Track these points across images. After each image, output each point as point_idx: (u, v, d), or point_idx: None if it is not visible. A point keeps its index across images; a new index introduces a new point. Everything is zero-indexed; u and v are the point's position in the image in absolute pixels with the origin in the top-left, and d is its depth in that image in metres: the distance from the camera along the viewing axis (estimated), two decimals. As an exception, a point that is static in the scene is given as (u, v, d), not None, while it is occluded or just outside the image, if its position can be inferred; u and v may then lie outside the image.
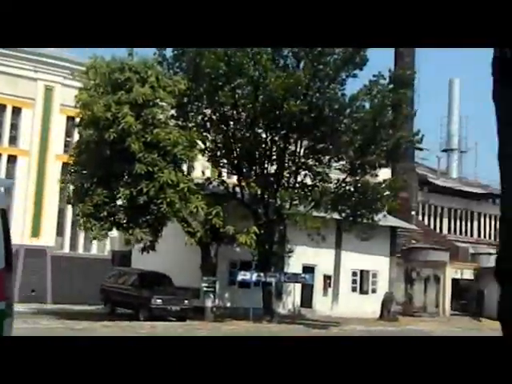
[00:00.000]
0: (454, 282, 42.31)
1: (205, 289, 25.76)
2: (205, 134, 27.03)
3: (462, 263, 43.05)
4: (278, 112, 25.08)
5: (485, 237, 61.18)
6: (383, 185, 25.51)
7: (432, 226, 58.67)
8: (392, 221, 38.11)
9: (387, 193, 25.58)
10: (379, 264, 35.51)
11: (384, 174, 35.17)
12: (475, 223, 60.97)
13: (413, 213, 53.52)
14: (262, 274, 26.84)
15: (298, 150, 27.61)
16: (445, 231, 59.16)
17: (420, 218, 57.90)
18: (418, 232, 51.09)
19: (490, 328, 33.18)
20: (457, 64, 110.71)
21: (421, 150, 61.23)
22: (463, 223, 60.54)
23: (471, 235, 60.50)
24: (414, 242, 48.74)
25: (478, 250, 53.02)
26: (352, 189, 25.92)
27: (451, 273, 41.27)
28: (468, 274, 42.55)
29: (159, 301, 24.03)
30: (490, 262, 46.11)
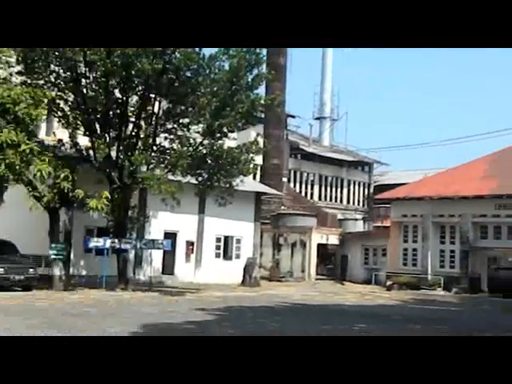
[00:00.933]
0: (322, 247, 43.04)
1: (53, 256, 24.40)
2: (57, 92, 25.40)
3: (327, 228, 43.78)
4: (131, 71, 23.89)
5: (353, 203, 62.84)
6: (239, 149, 24.99)
7: (303, 193, 59.46)
8: (256, 186, 37.97)
9: (244, 157, 25.10)
10: (244, 230, 35.33)
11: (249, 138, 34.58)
12: (345, 190, 62.40)
13: (284, 179, 53.98)
14: (116, 241, 25.79)
15: (155, 111, 26.55)
16: (315, 198, 60.16)
17: (292, 184, 58.56)
18: (289, 198, 51.60)
19: (350, 291, 34.01)
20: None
21: (293, 117, 61.88)
22: (333, 190, 61.78)
23: (341, 202, 61.91)
24: (284, 208, 49.09)
25: (347, 217, 54.39)
26: (208, 152, 25.23)
27: (317, 238, 41.86)
28: (334, 240, 43.30)
29: (1, 269, 22.46)
30: (357, 227, 47.33)
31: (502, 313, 24.05)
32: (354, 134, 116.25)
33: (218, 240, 34.71)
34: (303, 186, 60.02)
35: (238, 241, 35.36)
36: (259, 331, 14.41)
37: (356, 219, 49.67)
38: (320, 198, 60.58)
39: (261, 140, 26.14)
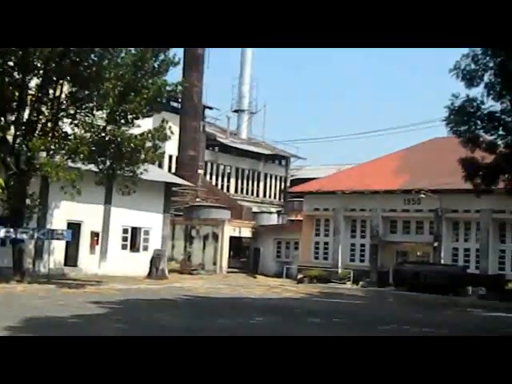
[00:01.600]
0: (236, 240, 42.55)
1: None
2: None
3: (240, 221, 43.30)
4: (29, 51, 22.59)
5: (270, 197, 62.71)
6: (143, 136, 24.06)
7: (219, 186, 58.84)
8: (166, 177, 37.08)
9: (148, 144, 24.20)
10: (152, 221, 34.35)
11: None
12: (261, 183, 62.16)
13: (200, 171, 53.25)
14: (11, 230, 24.42)
15: (58, 95, 25.29)
16: (232, 191, 59.65)
17: (208, 177, 57.86)
18: (204, 190, 50.86)
19: (259, 284, 33.67)
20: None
21: (211, 108, 61.12)
22: (250, 183, 61.44)
23: (257, 195, 61.64)
24: (198, 200, 48.35)
25: (263, 210, 54.18)
26: (110, 139, 24.18)
27: (230, 231, 41.32)
28: (247, 233, 42.89)
29: None
30: (271, 220, 47.12)
31: (402, 306, 24.19)
32: (272, 127, 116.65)
33: (125, 231, 33.60)
34: (219, 179, 59.36)
35: (146, 232, 34.36)
36: (148, 325, 13.70)
37: (270, 212, 49.53)
38: (236, 191, 60.10)
39: (167, 127, 25.23)
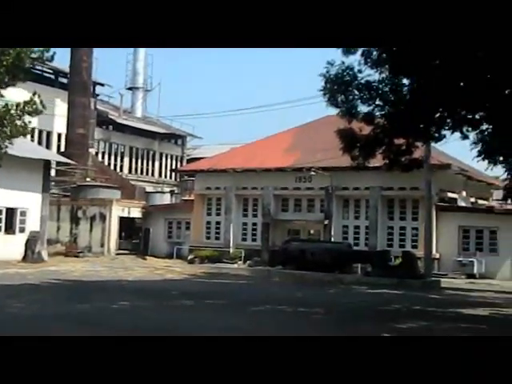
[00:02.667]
0: (129, 221, 40.82)
1: None
2: None
3: (129, 201, 41.61)
4: None
5: (165, 177, 61.15)
6: (5, 108, 22.01)
7: (112, 165, 56.75)
8: (45, 154, 34.94)
9: (12, 117, 22.15)
10: (30, 201, 32.17)
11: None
12: (157, 163, 60.49)
13: (91, 150, 51.01)
14: None
15: None
16: (126, 170, 57.70)
17: (100, 156, 55.67)
18: (94, 170, 48.73)
19: (145, 265, 32.30)
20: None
21: (102, 85, 58.59)
22: (145, 163, 59.64)
23: (152, 175, 59.94)
24: (88, 179, 46.23)
25: (158, 190, 52.60)
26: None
27: (118, 211, 39.59)
28: (137, 213, 41.28)
29: None
30: (164, 200, 45.61)
31: (286, 284, 23.58)
32: (167, 105, 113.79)
33: (-1, 212, 31.35)
34: (112, 158, 57.21)
35: (23, 213, 32.18)
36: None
37: (163, 192, 48.10)
38: (130, 171, 58.14)
39: (38, 101, 23.24)
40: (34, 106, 23.06)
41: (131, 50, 64.26)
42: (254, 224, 37.61)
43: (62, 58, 48.70)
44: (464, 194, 35.52)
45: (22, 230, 31.85)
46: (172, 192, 47.87)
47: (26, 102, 22.96)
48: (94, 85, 54.24)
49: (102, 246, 38.94)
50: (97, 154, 54.66)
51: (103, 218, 39.19)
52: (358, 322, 13.58)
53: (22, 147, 27.03)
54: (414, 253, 28.15)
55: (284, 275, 26.79)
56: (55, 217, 39.72)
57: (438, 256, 32.06)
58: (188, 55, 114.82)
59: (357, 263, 27.60)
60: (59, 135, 51.40)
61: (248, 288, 21.98)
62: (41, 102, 23.40)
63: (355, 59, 15.53)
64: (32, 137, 49.14)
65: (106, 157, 56.67)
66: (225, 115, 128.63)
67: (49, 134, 51.43)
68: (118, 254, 38.81)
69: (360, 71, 15.66)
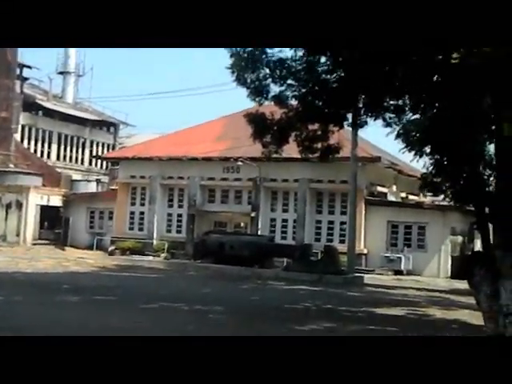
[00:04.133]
0: (53, 209, 38.64)
1: None
2: None
3: (49, 189, 39.44)
4: None
5: (96, 165, 58.82)
6: None
7: (39, 152, 54.20)
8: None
9: None
10: None
11: None
12: (87, 151, 58.09)
13: (16, 135, 48.50)
14: None
15: None
16: (53, 158, 55.18)
17: (26, 142, 53.07)
18: (17, 156, 46.27)
19: (57, 257, 30.29)
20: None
21: (29, 67, 55.83)
22: (74, 150, 57.18)
23: (82, 163, 57.53)
24: (11, 166, 43.77)
25: (88, 179, 50.29)
26: None
27: (36, 199, 37.42)
28: (58, 201, 39.15)
29: None
30: (89, 188, 43.53)
31: (199, 279, 22.13)
32: (99, 91, 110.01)
33: None
34: (39, 144, 54.58)
35: None
36: None
37: (89, 181, 45.93)
38: (58, 158, 55.60)
39: None
40: None
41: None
42: (180, 215, 36.06)
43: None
44: (394, 188, 34.71)
45: None
46: (98, 180, 45.74)
47: None
48: (22, 67, 51.58)
49: (18, 235, 36.77)
50: (22, 139, 52.09)
51: (20, 205, 36.98)
52: (256, 321, 12.25)
53: None
54: (337, 247, 27.03)
55: (200, 269, 25.33)
56: (-33, 204, 37.48)
57: (365, 251, 31.15)
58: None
59: (278, 257, 26.33)
60: (-19, 118, 48.58)
61: (153, 282, 20.43)
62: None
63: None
64: (-49, 119, 46.46)
65: (33, 143, 54.06)
66: (159, 98, 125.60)
67: (-31, 116, 48.50)
68: (35, 244, 36.71)
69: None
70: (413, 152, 15.11)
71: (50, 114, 54.75)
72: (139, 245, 34.78)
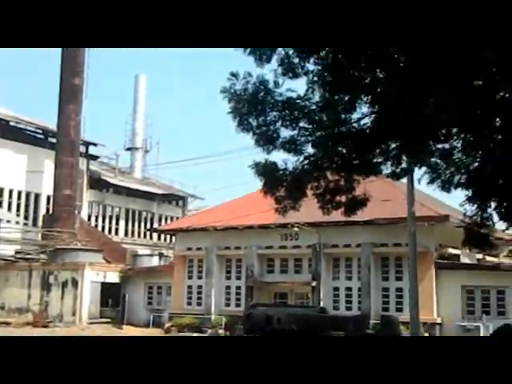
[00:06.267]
0: (114, 286, 37.31)
1: None
2: None
3: (106, 265, 38.34)
4: None
5: (165, 240, 57.87)
6: None
7: (107, 228, 53.87)
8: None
9: None
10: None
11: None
12: (156, 225, 57.33)
13: (82, 212, 48.35)
14: None
15: None
16: (121, 234, 54.68)
17: (94, 218, 52.91)
18: (80, 233, 45.75)
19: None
20: (143, 59, 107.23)
21: (95, 145, 56.26)
22: (142, 225, 56.57)
23: (151, 238, 56.72)
24: (76, 243, 43.18)
25: (153, 253, 49.15)
26: None
27: (92, 275, 36.25)
28: (115, 277, 37.85)
29: None
30: (152, 263, 42.02)
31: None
32: (167, 165, 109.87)
33: None
34: (107, 221, 54.30)
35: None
36: None
37: (151, 255, 44.64)
38: (126, 234, 55.12)
39: None
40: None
41: (130, 110, 62.40)
42: (238, 287, 33.90)
43: (52, 118, 46.42)
44: (468, 249, 31.40)
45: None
46: (161, 254, 44.39)
47: None
48: (87, 145, 51.89)
49: (74, 314, 35.53)
50: (90, 216, 51.95)
51: (75, 283, 35.88)
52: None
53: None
54: (398, 317, 23.99)
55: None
56: (26, 283, 36.80)
57: (439, 320, 27.97)
58: (186, 112, 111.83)
59: (328, 331, 23.55)
60: (48, 197, 48.59)
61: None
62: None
63: (270, 69, 12.06)
64: (19, 199, 46.80)
65: (100, 219, 53.83)
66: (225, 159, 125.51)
67: (37, 196, 48.68)
68: (92, 323, 35.29)
69: (277, 84, 12.09)
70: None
71: (117, 190, 54.67)
72: (197, 320, 32.87)
